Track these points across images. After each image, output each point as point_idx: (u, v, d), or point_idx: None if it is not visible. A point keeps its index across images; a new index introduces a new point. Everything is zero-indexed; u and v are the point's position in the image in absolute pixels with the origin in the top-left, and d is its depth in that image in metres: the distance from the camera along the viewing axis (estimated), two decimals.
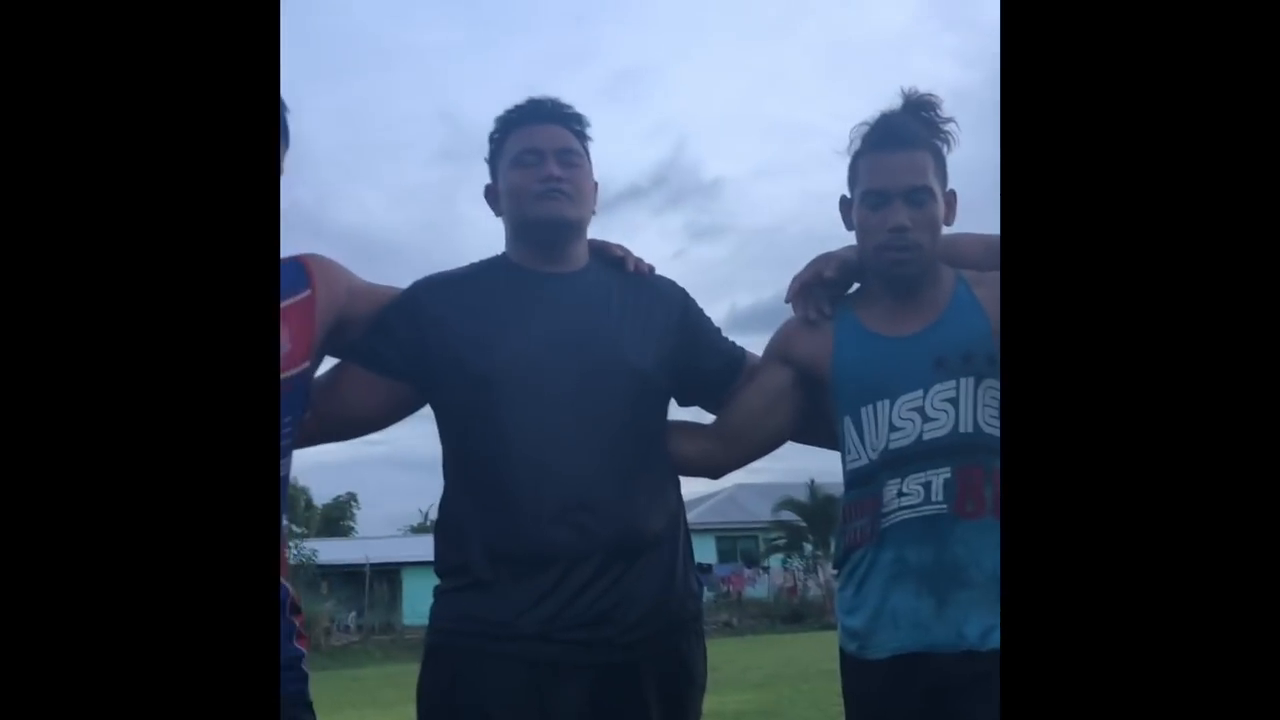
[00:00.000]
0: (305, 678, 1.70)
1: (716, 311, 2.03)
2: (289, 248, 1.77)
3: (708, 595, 25.82)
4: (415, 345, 1.78)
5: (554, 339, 1.77)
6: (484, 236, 1.97)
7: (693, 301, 1.98)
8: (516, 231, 1.88)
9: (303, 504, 34.00)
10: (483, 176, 1.95)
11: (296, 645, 1.70)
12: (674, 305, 1.94)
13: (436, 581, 1.82)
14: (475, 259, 1.94)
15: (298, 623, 1.72)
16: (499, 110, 1.92)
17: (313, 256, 1.79)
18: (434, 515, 1.88)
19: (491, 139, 1.92)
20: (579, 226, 1.88)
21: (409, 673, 1.77)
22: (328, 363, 1.83)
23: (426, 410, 1.87)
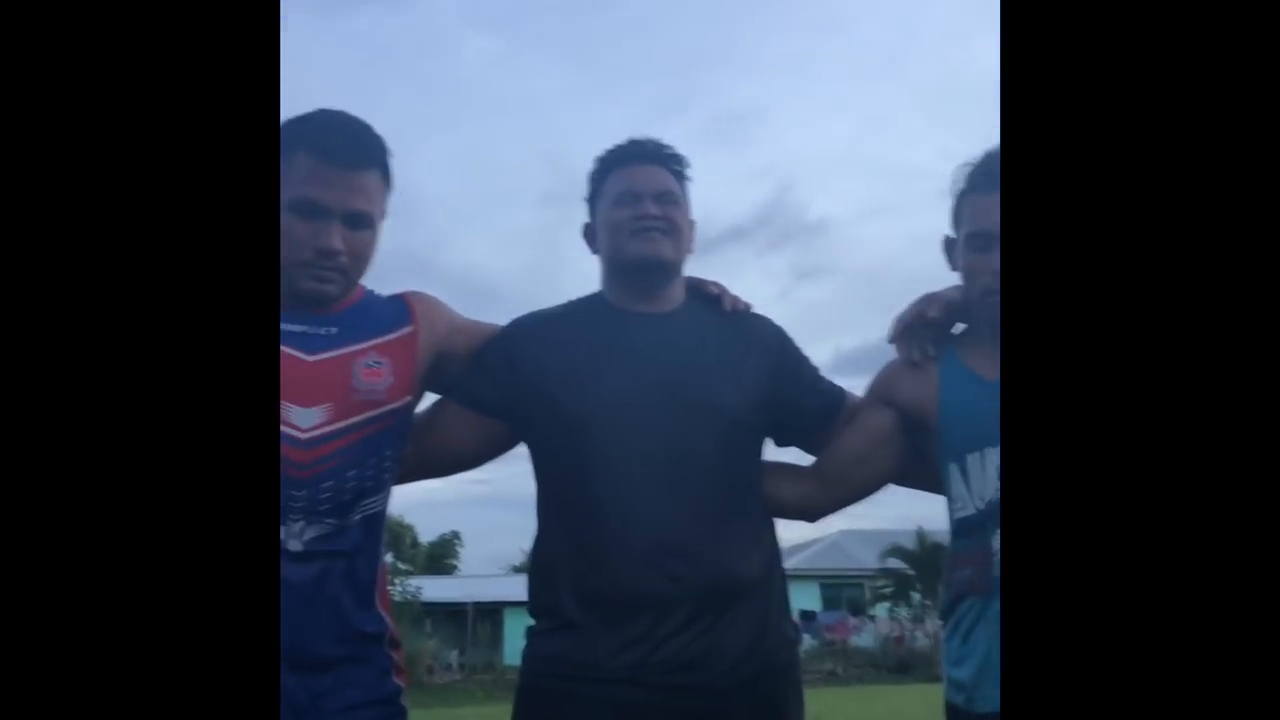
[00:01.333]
0: (403, 713, 1.71)
1: (820, 353, 2.00)
2: (398, 290, 1.82)
3: (812, 643, 25.45)
4: (510, 384, 1.80)
5: (647, 380, 1.77)
6: (585, 277, 1.99)
7: (790, 341, 1.96)
8: (612, 270, 1.89)
9: (409, 541, 34.63)
10: (584, 219, 1.97)
11: (395, 680, 1.71)
12: (770, 344, 1.92)
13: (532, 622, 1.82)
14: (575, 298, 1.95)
15: (396, 657, 1.74)
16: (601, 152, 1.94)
17: (415, 294, 1.83)
18: None
19: (591, 178, 1.93)
20: (674, 266, 1.88)
21: (509, 715, 1.76)
22: (429, 399, 1.85)
23: (526, 449, 1.88)
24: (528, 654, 1.78)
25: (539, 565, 1.81)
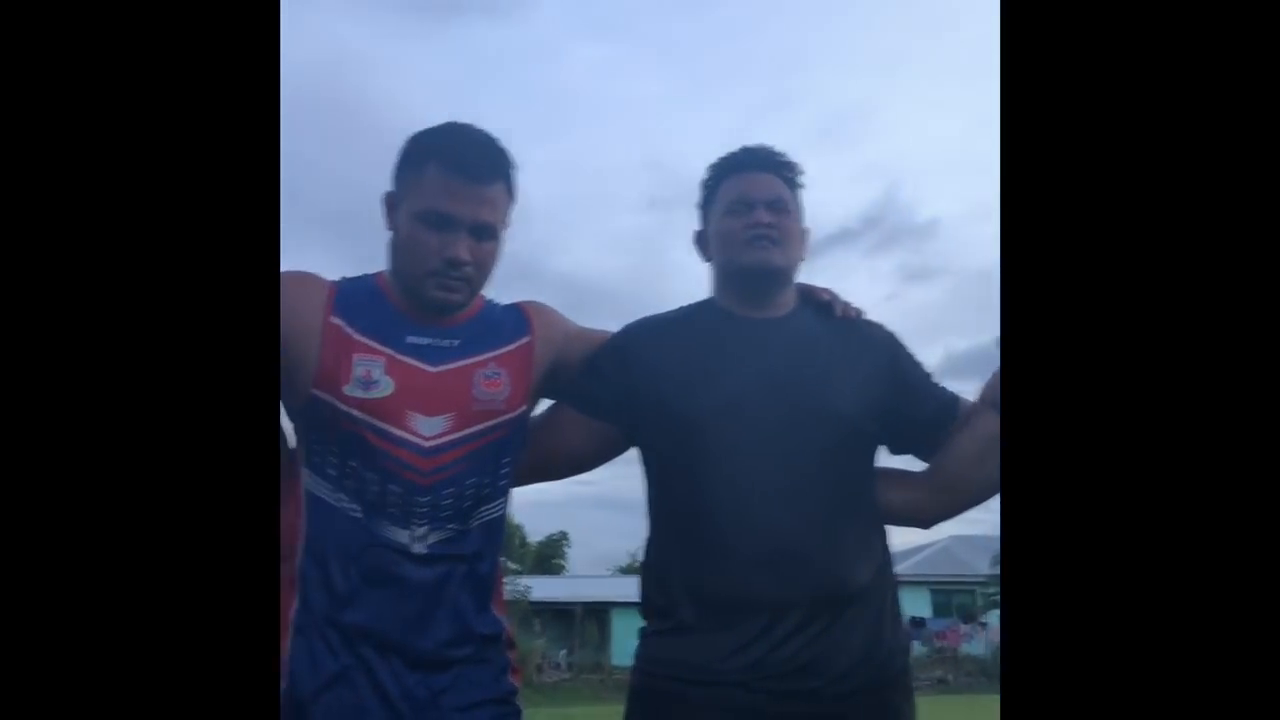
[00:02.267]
0: (518, 712, 1.75)
1: (930, 356, 1.98)
2: (508, 296, 1.87)
3: (921, 650, 24.93)
4: (624, 388, 1.82)
5: (760, 384, 1.77)
6: (689, 282, 2.01)
7: (902, 346, 1.94)
8: (724, 277, 1.90)
9: (517, 541, 35.16)
10: (688, 223, 1.99)
11: (511, 680, 1.75)
12: (883, 350, 1.91)
13: (643, 623, 1.84)
14: (680, 303, 1.97)
15: (512, 658, 1.78)
16: (705, 157, 1.96)
17: (532, 304, 1.88)
18: (641, 557, 1.91)
19: (705, 185, 1.95)
20: (786, 274, 1.89)
21: (619, 714, 1.79)
22: (544, 404, 1.90)
23: (634, 452, 1.90)
24: (641, 655, 1.80)
25: (651, 567, 1.84)
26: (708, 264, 1.94)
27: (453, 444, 1.68)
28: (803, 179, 1.93)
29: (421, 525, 1.65)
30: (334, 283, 1.75)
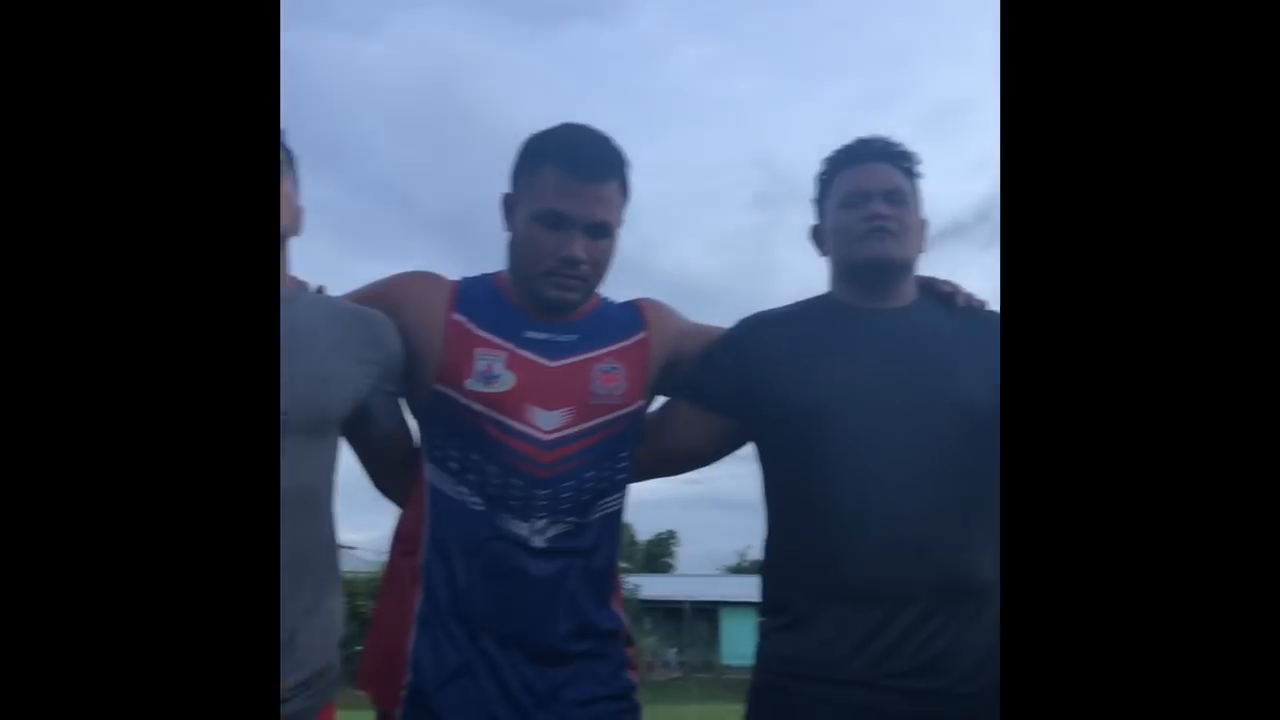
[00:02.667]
0: (637, 708, 1.76)
1: None
2: (616, 295, 1.88)
3: None
4: (741, 381, 1.81)
5: (883, 373, 1.74)
6: (796, 279, 2.00)
7: None
8: (842, 271, 1.87)
9: (627, 539, 35.42)
10: (795, 220, 1.97)
11: (629, 676, 1.76)
12: None
13: (754, 622, 1.83)
14: (787, 301, 1.95)
15: (630, 654, 1.79)
16: (812, 153, 1.93)
17: (647, 300, 1.89)
18: (751, 556, 1.90)
19: (819, 179, 1.92)
20: (905, 265, 1.85)
21: (731, 714, 1.78)
22: (661, 400, 1.90)
23: (742, 451, 1.89)
24: (763, 652, 1.78)
25: (770, 561, 1.82)
26: (824, 259, 1.91)
27: (571, 438, 1.70)
28: (920, 168, 1.89)
29: (541, 518, 1.67)
30: (455, 282, 1.78)
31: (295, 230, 1.62)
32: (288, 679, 1.48)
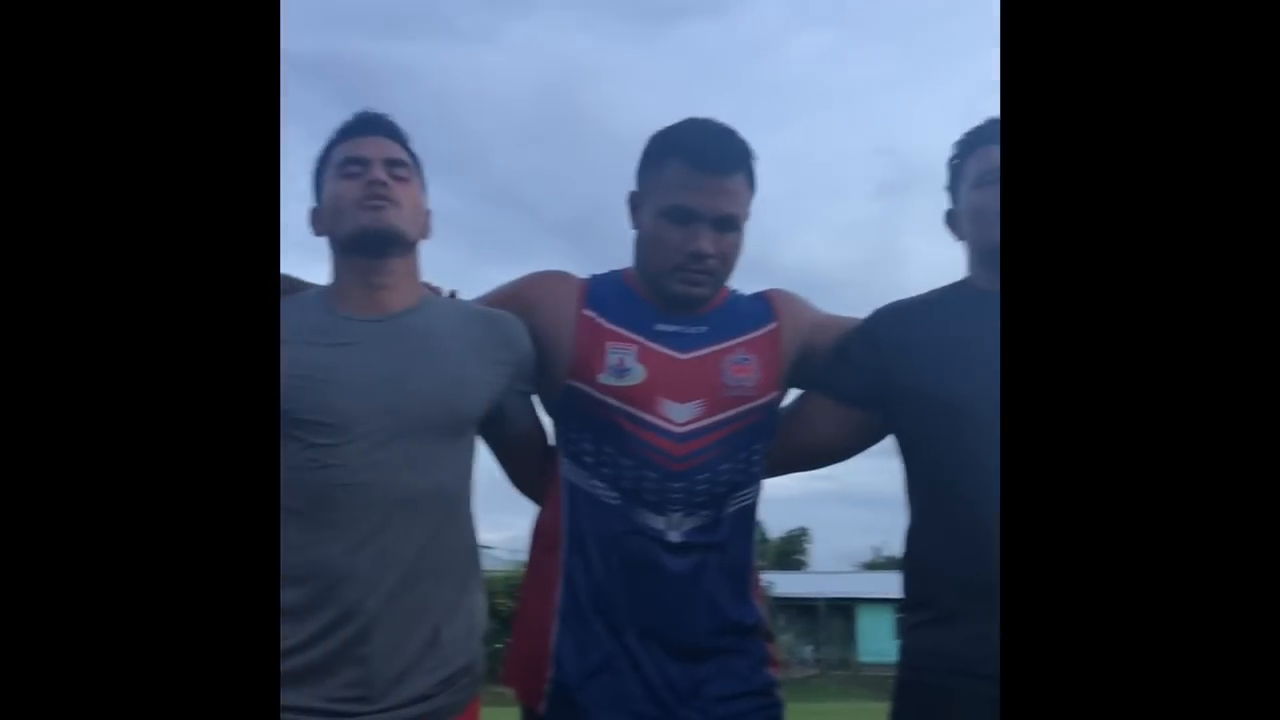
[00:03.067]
0: (780, 705, 1.74)
1: None
2: (741, 288, 1.87)
3: None
4: (877, 372, 1.77)
5: None
6: (923, 269, 1.95)
7: None
8: (981, 256, 1.79)
9: (759, 536, 35.14)
10: (921, 208, 1.93)
11: (769, 672, 1.75)
12: None
13: (893, 619, 1.80)
14: (915, 291, 1.89)
15: (770, 649, 1.77)
16: (936, 138, 1.87)
17: (777, 291, 1.87)
18: (887, 552, 1.87)
19: (951, 164, 1.87)
20: None
21: (870, 712, 1.75)
22: (794, 394, 1.87)
23: (875, 446, 1.85)
24: (907, 648, 1.74)
25: (913, 555, 1.78)
26: (961, 244, 1.85)
27: (704, 430, 1.69)
28: None
29: (676, 511, 1.67)
30: (584, 279, 1.80)
31: (424, 234, 1.67)
32: (433, 675, 1.52)
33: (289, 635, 1.44)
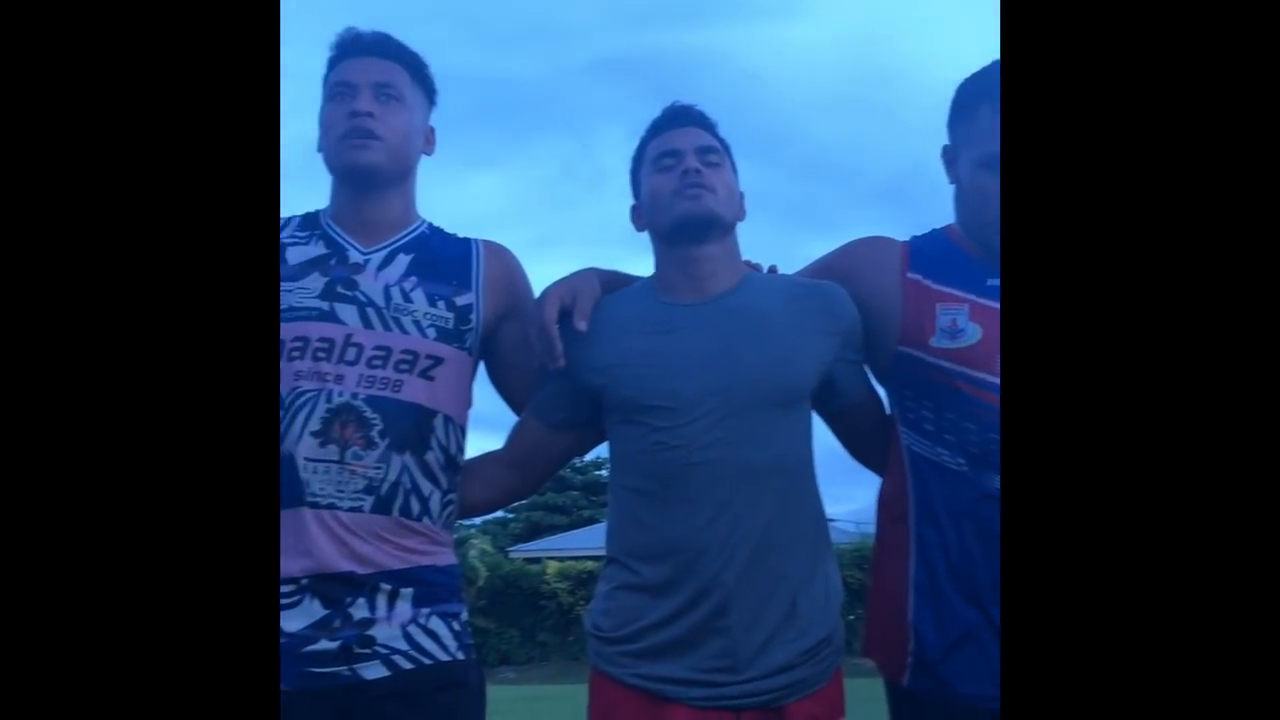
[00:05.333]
0: None
1: None
2: None
3: None
4: None
5: None
6: None
7: None
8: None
9: None
10: None
11: None
12: None
13: None
14: None
15: None
16: None
17: None
18: None
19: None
20: None
21: None
22: None
23: None
24: None
25: None
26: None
27: None
28: None
29: None
30: (905, 242, 1.76)
31: (739, 216, 1.73)
32: (794, 646, 1.54)
33: (655, 610, 1.53)
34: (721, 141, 1.73)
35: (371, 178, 1.69)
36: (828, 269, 1.78)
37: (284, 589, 1.54)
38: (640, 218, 1.75)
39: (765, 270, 1.80)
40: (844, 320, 1.68)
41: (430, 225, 1.80)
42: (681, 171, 1.65)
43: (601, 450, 1.77)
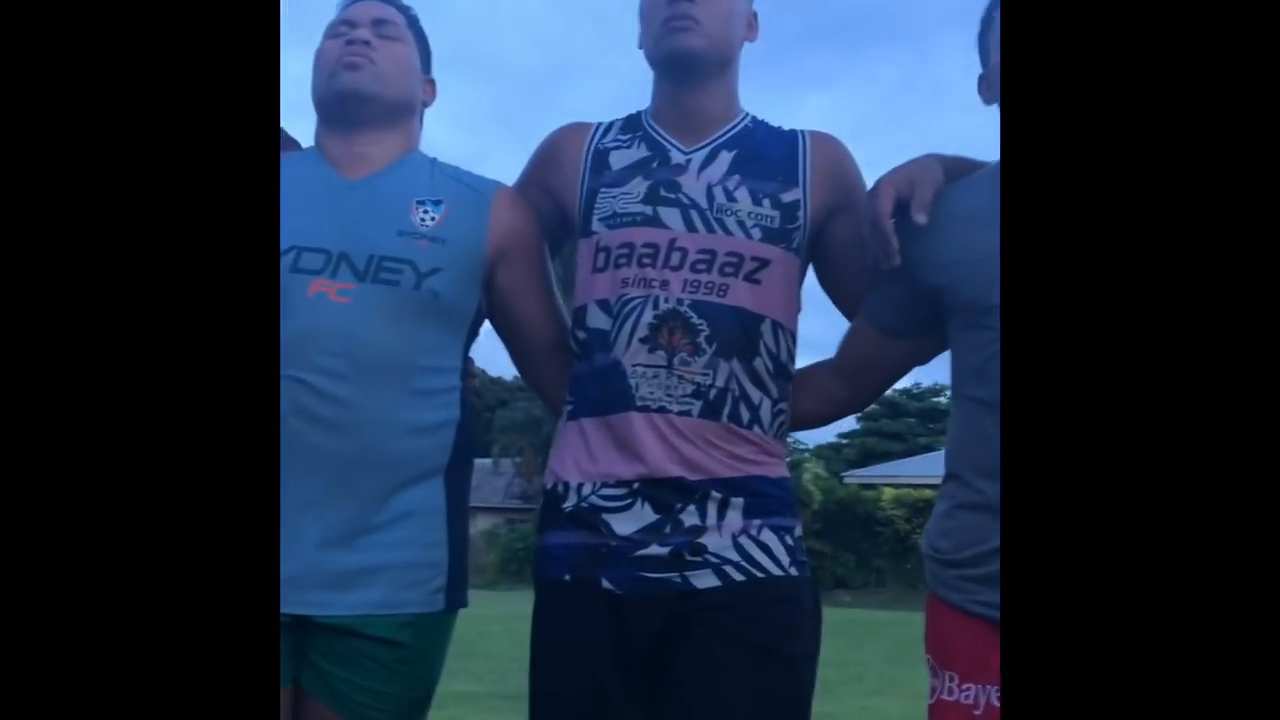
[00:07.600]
0: None
1: None
2: None
3: None
4: None
5: None
6: None
7: None
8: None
9: None
10: None
11: None
12: None
13: None
14: None
15: None
16: None
17: None
18: None
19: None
20: None
21: None
22: None
23: None
24: None
25: None
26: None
27: None
28: None
29: None
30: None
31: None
32: None
33: (1000, 532, 1.46)
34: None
35: (692, 65, 1.61)
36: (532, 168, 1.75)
37: (616, 491, 1.54)
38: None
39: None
40: None
41: (754, 118, 1.70)
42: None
43: (941, 375, 1.70)
